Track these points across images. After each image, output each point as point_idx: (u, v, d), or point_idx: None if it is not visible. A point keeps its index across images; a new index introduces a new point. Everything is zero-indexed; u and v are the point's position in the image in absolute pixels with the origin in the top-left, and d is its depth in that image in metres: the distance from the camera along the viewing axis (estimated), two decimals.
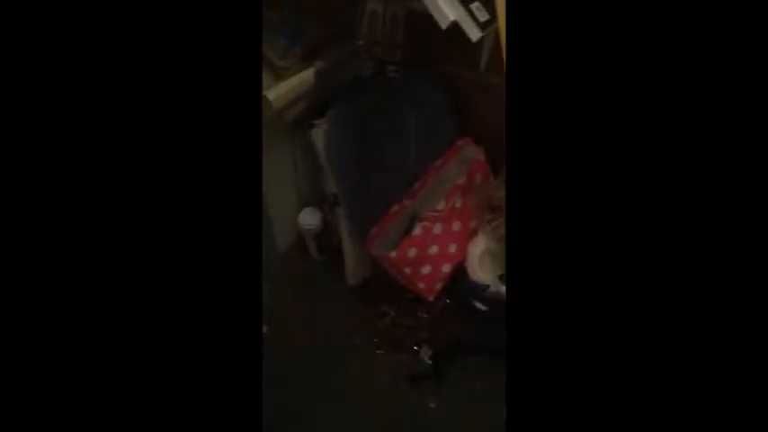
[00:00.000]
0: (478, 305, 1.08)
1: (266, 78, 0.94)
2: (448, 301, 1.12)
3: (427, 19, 0.76)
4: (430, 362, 1.04)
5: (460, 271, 1.11)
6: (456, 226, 1.09)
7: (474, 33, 0.72)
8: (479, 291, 1.08)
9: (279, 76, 0.96)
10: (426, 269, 1.08)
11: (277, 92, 0.95)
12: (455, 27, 0.74)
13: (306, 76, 0.98)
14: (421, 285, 1.10)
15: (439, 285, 1.11)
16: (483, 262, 1.06)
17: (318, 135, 1.01)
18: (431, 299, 1.11)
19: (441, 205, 1.06)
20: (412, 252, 1.05)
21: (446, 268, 1.11)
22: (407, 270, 1.07)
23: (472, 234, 1.10)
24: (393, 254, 1.04)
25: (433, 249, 1.08)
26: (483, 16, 0.73)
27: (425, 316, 1.11)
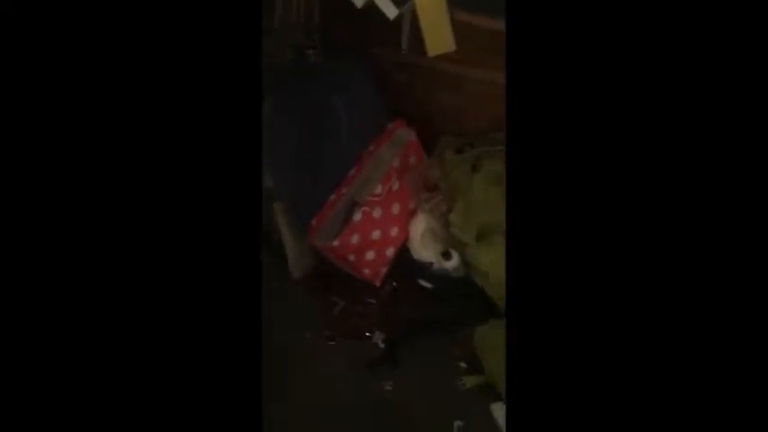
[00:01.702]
0: (424, 283, 1.10)
1: None
2: (395, 283, 1.13)
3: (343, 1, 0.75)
4: (383, 345, 1.04)
5: (404, 252, 1.11)
6: (395, 208, 1.10)
7: (390, 11, 0.72)
8: (424, 269, 1.09)
9: None
10: (370, 254, 1.08)
11: None
12: (372, 7, 0.74)
13: None
14: (366, 271, 1.10)
15: (384, 269, 1.12)
16: (425, 241, 1.07)
17: None
18: (378, 284, 1.12)
19: (378, 189, 1.06)
20: (354, 239, 1.05)
21: (390, 251, 1.11)
22: (351, 257, 1.06)
23: (412, 215, 1.10)
24: (335, 243, 1.02)
25: (376, 234, 1.08)
26: None
27: (374, 301, 1.11)
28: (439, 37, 0.85)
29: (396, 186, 1.09)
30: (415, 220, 1.09)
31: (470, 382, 0.99)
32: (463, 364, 1.02)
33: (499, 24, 0.82)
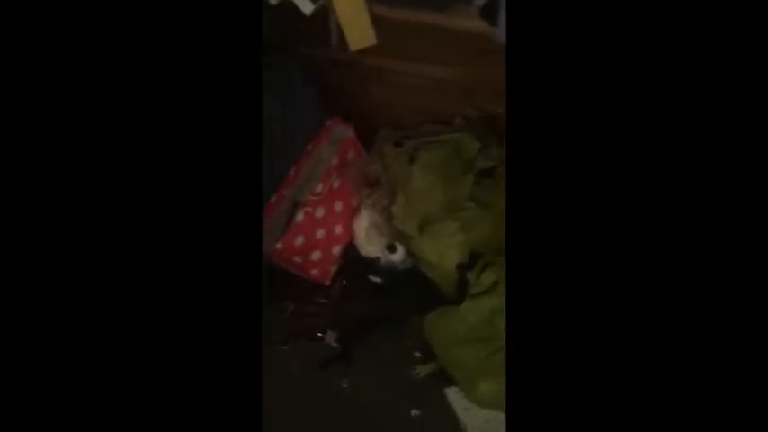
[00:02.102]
0: (374, 278, 1.10)
1: None
2: (345, 281, 1.13)
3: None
4: (336, 344, 1.04)
5: (352, 249, 1.11)
6: (338, 206, 1.09)
7: (306, 7, 0.72)
8: (372, 265, 1.10)
9: None
10: (316, 255, 1.08)
11: None
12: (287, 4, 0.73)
13: None
14: (314, 272, 1.09)
15: (332, 268, 1.11)
16: (370, 236, 1.08)
17: None
18: (327, 283, 1.11)
19: (319, 188, 1.06)
20: (299, 240, 1.04)
21: (336, 250, 1.11)
22: (297, 259, 1.05)
23: (355, 211, 1.10)
24: (279, 245, 1.01)
25: (320, 233, 1.07)
26: None
27: (325, 301, 1.11)
28: (359, 31, 0.85)
29: (336, 184, 1.08)
30: (359, 216, 1.09)
31: (425, 370, 1.01)
32: (417, 354, 1.03)
33: (420, 16, 0.83)
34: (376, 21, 0.79)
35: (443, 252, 1.03)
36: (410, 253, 1.07)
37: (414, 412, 0.97)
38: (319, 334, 1.06)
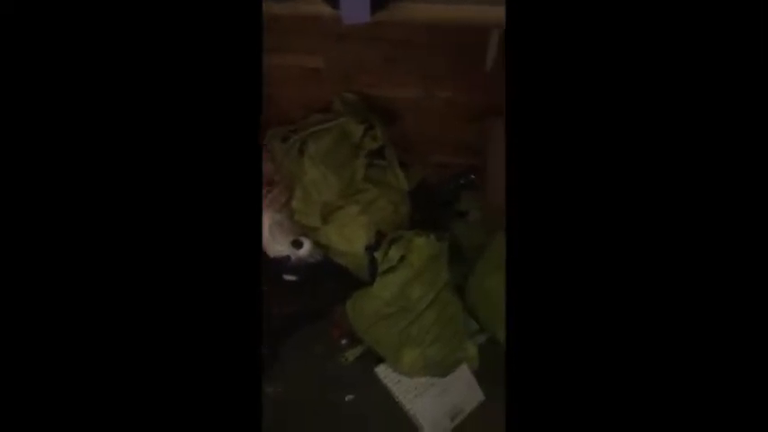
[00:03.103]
0: (288, 277, 1.10)
1: None
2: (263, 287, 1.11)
3: None
4: (264, 351, 1.03)
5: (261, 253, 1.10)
6: None
7: None
8: (284, 264, 1.09)
9: None
10: None
11: None
12: None
13: None
14: None
15: None
16: (274, 235, 1.07)
17: None
18: None
19: None
20: None
21: None
22: None
23: None
24: None
25: None
26: None
27: None
28: None
29: None
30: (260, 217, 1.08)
31: (352, 354, 1.03)
32: (344, 341, 1.05)
33: (269, 8, 0.82)
34: None
35: (350, 237, 1.04)
36: (319, 244, 1.08)
37: (348, 397, 0.98)
38: None
